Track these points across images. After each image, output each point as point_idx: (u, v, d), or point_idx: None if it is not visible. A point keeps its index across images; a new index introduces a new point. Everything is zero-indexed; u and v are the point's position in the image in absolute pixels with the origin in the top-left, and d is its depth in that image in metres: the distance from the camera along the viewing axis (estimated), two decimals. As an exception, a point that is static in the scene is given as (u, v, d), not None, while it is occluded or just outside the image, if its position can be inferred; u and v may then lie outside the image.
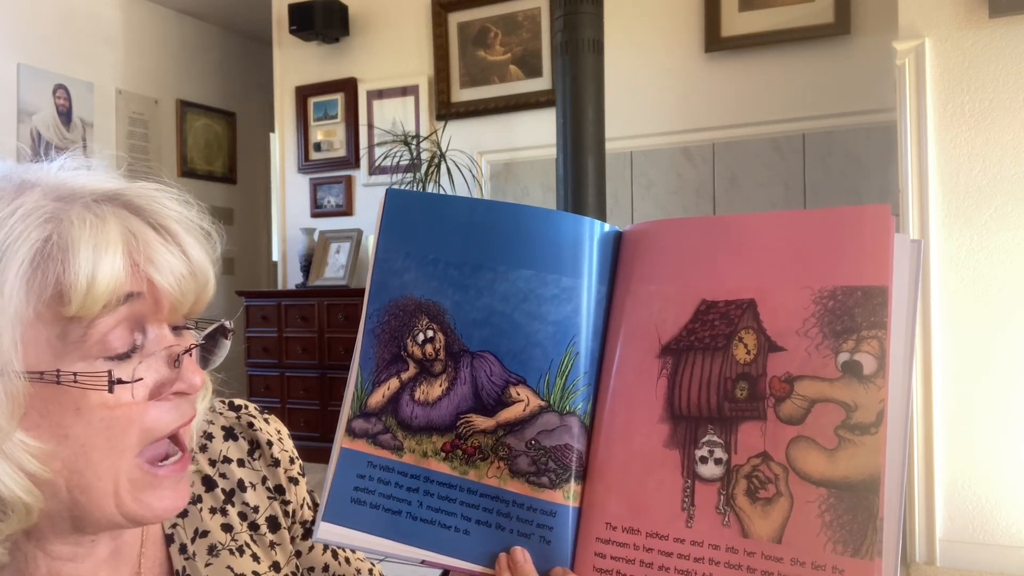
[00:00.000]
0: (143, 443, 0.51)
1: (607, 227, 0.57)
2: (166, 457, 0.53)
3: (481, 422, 0.55)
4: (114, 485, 0.50)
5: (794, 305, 0.50)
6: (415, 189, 3.38)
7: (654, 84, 3.18)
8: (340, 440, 0.58)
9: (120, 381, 0.48)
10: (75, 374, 0.47)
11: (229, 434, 0.68)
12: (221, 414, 0.69)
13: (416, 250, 0.58)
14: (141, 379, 0.49)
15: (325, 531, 0.56)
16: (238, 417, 0.69)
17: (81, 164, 0.54)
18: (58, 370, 0.47)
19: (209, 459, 0.66)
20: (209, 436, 0.67)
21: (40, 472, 0.47)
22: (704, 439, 0.51)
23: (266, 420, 0.71)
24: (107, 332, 0.48)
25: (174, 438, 0.54)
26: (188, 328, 0.55)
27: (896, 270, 0.48)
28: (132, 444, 0.50)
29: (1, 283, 0.45)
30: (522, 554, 0.53)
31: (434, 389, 0.57)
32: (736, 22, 3.01)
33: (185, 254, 0.52)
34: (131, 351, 0.49)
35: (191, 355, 0.53)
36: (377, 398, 0.58)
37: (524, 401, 0.55)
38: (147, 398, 0.50)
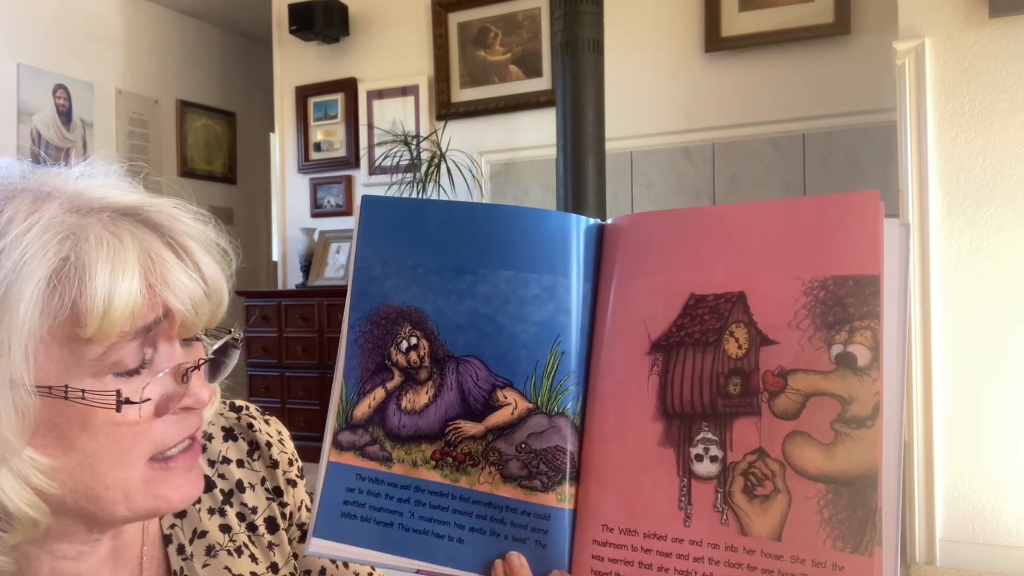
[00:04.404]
0: (150, 454, 0.51)
1: (589, 221, 0.56)
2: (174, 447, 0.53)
3: (470, 428, 0.55)
4: (124, 492, 0.50)
5: (785, 297, 0.49)
6: (415, 189, 3.38)
7: (654, 84, 3.17)
8: (327, 454, 0.57)
9: (128, 401, 0.48)
10: (83, 391, 0.47)
11: (229, 435, 0.68)
12: (221, 415, 0.68)
13: (395, 256, 0.57)
14: (149, 399, 0.49)
15: (317, 546, 0.56)
16: (238, 418, 0.69)
17: (99, 172, 0.53)
18: (67, 386, 0.46)
19: (208, 459, 0.66)
20: (209, 437, 0.67)
21: (47, 487, 0.47)
22: (699, 437, 0.50)
23: (266, 421, 0.71)
24: (122, 353, 0.48)
25: None
26: (198, 339, 0.55)
27: (886, 257, 0.47)
28: (139, 455, 0.50)
29: (17, 300, 0.44)
30: (518, 559, 0.53)
31: (420, 397, 0.56)
32: (736, 22, 3.00)
33: (201, 274, 0.52)
34: (140, 367, 0.49)
35: (199, 370, 0.53)
36: (363, 409, 0.57)
37: (512, 404, 0.54)
38: (154, 415, 0.50)
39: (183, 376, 0.51)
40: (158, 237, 0.50)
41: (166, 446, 0.51)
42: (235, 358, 0.58)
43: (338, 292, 3.61)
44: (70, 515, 0.51)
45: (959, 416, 2.16)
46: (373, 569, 0.75)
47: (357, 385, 0.57)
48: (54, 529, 0.52)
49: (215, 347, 0.56)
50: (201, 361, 0.53)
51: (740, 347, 0.50)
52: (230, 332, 0.57)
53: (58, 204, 0.48)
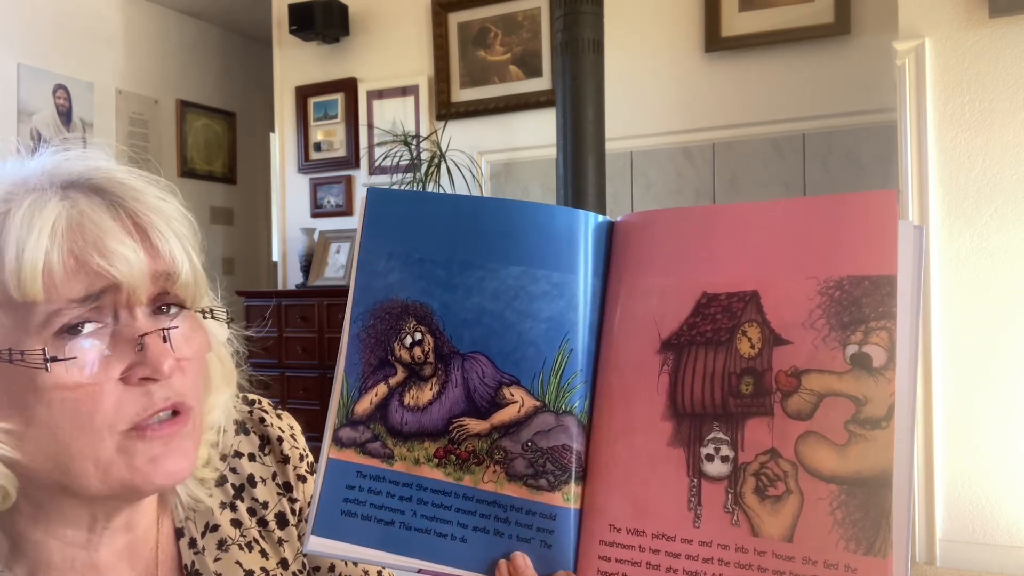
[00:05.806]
0: (120, 425, 0.49)
1: (599, 218, 0.55)
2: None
3: (475, 425, 0.54)
4: (94, 463, 0.49)
5: (799, 296, 0.49)
6: (415, 189, 3.37)
7: (654, 84, 3.17)
8: (327, 451, 0.56)
9: (54, 359, 0.47)
10: (23, 352, 0.47)
11: (241, 428, 0.68)
12: (234, 408, 0.68)
13: (400, 250, 0.56)
14: (75, 357, 0.48)
15: (315, 544, 0.55)
16: (250, 412, 0.69)
17: (73, 153, 0.54)
18: (9, 349, 0.47)
19: (221, 454, 0.66)
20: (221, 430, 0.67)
21: (9, 454, 0.48)
22: (709, 436, 0.50)
23: (278, 416, 0.71)
24: (73, 318, 0.48)
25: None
26: (179, 311, 0.54)
27: (900, 258, 0.47)
28: (103, 424, 0.49)
29: None
30: (523, 559, 0.52)
31: (424, 393, 0.55)
32: (736, 22, 3.00)
33: (148, 239, 0.51)
34: (95, 331, 0.49)
35: (166, 341, 0.51)
36: (364, 405, 0.56)
37: (518, 402, 0.53)
38: (112, 379, 0.49)
39: (137, 344, 0.50)
40: (106, 206, 0.51)
41: (130, 415, 0.50)
42: (218, 327, 0.59)
43: (338, 292, 3.61)
44: (48, 489, 0.51)
45: (959, 416, 2.17)
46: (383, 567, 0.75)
47: (359, 381, 0.56)
48: (51, 510, 0.52)
49: (176, 316, 0.54)
50: (158, 330, 0.51)
51: (753, 347, 0.50)
52: (210, 305, 0.58)
53: (8, 178, 0.51)
